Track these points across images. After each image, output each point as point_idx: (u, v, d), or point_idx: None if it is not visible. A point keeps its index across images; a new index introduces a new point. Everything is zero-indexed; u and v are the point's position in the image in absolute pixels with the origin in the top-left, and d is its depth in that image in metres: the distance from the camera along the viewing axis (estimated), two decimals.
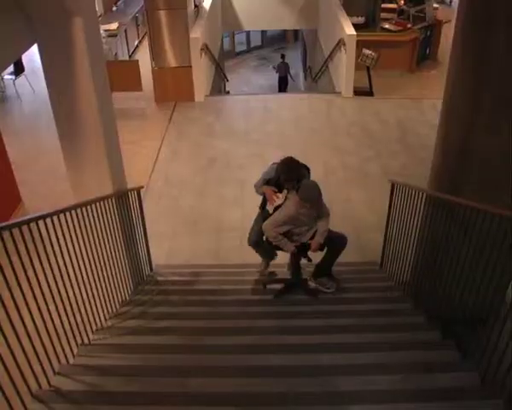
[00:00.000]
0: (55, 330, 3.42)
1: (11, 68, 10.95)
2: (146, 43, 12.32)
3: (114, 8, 14.72)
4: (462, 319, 3.93)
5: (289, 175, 4.77)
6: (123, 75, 10.35)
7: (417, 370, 3.60)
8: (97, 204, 4.45)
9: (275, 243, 4.89)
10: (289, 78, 16.27)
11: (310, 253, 4.99)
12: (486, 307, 3.62)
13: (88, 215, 4.22)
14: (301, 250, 4.97)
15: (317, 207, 4.79)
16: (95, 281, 4.22)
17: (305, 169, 5.02)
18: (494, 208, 3.50)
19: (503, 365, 3.15)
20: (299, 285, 5.32)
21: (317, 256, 5.09)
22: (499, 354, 3.18)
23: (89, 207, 4.27)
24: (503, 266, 3.36)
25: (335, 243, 4.97)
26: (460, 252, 3.92)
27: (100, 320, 4.39)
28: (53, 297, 3.42)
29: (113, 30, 12.71)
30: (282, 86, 16.53)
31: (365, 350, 3.94)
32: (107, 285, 4.56)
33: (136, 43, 14.78)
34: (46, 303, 3.31)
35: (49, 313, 3.36)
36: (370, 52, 11.47)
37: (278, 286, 5.40)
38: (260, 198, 5.20)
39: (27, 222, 3.23)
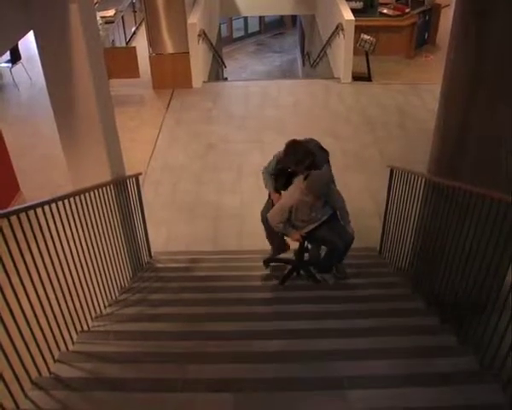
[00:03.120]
0: (55, 317, 3.43)
1: (7, 56, 10.88)
2: (143, 29, 12.23)
3: None
4: (460, 303, 3.94)
5: (290, 161, 4.67)
6: (120, 62, 10.28)
7: (416, 355, 3.61)
8: (96, 191, 4.44)
9: (278, 231, 4.87)
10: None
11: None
12: (485, 291, 3.62)
13: (86, 203, 4.21)
14: (308, 238, 4.97)
15: (328, 199, 4.75)
16: (94, 268, 4.22)
17: (322, 152, 4.92)
18: (493, 193, 3.50)
19: (501, 349, 3.16)
20: (301, 268, 5.33)
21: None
22: (498, 338, 3.19)
23: (87, 194, 4.26)
24: (502, 251, 3.36)
25: (330, 244, 4.94)
26: (459, 237, 3.92)
27: (99, 307, 4.40)
28: (52, 285, 3.42)
29: (110, 16, 12.61)
30: None
31: (364, 335, 3.95)
32: (107, 272, 4.56)
33: (133, 29, 14.68)
34: (45, 291, 3.32)
35: (49, 301, 3.37)
36: (369, 37, 11.43)
37: (278, 267, 5.42)
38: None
39: (26, 210, 3.22)
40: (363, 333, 4.00)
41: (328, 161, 4.99)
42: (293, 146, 4.64)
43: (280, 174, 4.95)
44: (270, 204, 5.06)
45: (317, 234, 4.86)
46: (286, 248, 5.45)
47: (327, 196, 4.72)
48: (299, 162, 4.59)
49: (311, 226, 4.84)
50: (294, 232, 4.82)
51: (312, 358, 3.59)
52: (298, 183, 4.64)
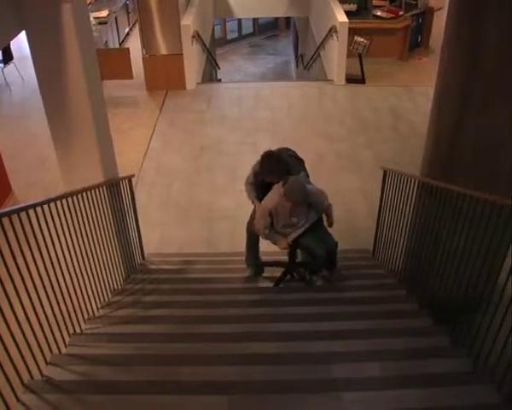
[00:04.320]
0: (47, 319, 3.40)
1: None
2: (137, 30, 12.22)
3: None
4: (454, 305, 3.95)
5: (264, 171, 4.75)
6: (113, 63, 10.25)
7: (410, 356, 3.61)
8: (88, 193, 4.42)
9: (266, 239, 4.87)
10: None
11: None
12: (478, 293, 3.63)
13: (79, 204, 4.19)
14: (295, 245, 4.97)
15: (311, 202, 4.74)
16: (86, 270, 4.20)
17: (298, 161, 4.95)
18: (486, 195, 3.51)
19: (494, 350, 3.17)
20: (294, 270, 5.33)
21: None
22: (491, 339, 3.19)
23: (80, 196, 4.24)
24: (495, 252, 3.36)
25: (312, 251, 4.92)
26: (452, 238, 3.93)
27: (92, 309, 4.38)
28: (44, 287, 3.40)
29: (104, 17, 12.58)
30: None
31: (358, 337, 3.95)
32: (99, 274, 4.54)
33: (126, 30, 14.66)
34: (37, 293, 3.30)
35: (41, 303, 3.34)
36: (362, 39, 11.44)
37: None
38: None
39: (18, 211, 3.20)
40: (357, 335, 3.99)
41: (305, 169, 5.01)
42: (266, 157, 4.74)
43: (260, 186, 4.97)
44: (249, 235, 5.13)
45: (302, 242, 4.87)
46: (261, 271, 5.55)
47: (307, 201, 4.68)
48: (273, 171, 4.70)
49: (296, 234, 4.85)
50: (281, 240, 4.83)
51: (307, 360, 3.58)
52: (277, 187, 4.66)
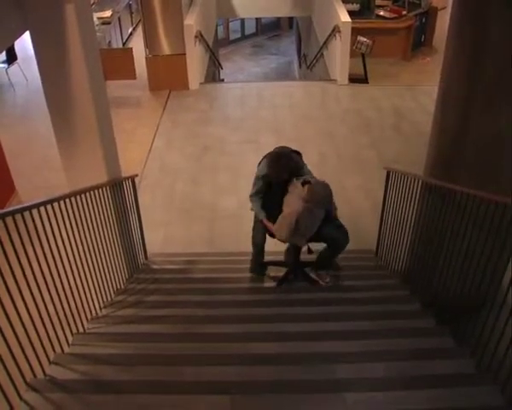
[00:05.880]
0: (50, 319, 3.41)
1: (3, 57, 10.85)
2: (140, 30, 12.23)
3: None
4: (457, 305, 3.94)
5: (277, 171, 4.61)
6: (117, 63, 10.26)
7: (413, 357, 3.60)
8: (92, 193, 4.42)
9: (289, 242, 4.82)
10: None
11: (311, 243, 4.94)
12: (482, 293, 3.62)
13: (82, 204, 4.19)
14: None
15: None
16: (89, 270, 4.20)
17: (297, 155, 4.86)
18: (490, 195, 3.50)
19: (498, 351, 3.16)
20: (298, 270, 5.31)
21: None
22: (495, 340, 3.18)
23: (83, 195, 4.24)
24: (499, 252, 3.35)
25: (336, 241, 4.85)
26: (456, 238, 3.92)
27: (95, 309, 4.38)
28: (47, 286, 3.40)
29: (107, 17, 12.59)
30: None
31: (361, 337, 3.94)
32: (102, 274, 4.54)
33: (129, 30, 14.67)
34: (41, 292, 3.30)
35: (44, 303, 3.35)
36: (365, 39, 11.45)
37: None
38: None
39: (21, 211, 3.20)
40: (360, 335, 3.98)
41: (302, 160, 4.93)
42: (276, 157, 4.65)
43: (268, 191, 4.83)
44: (259, 226, 5.04)
45: (323, 233, 4.78)
46: (264, 270, 5.50)
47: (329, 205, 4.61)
48: (285, 170, 4.59)
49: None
50: (303, 238, 4.70)
51: (310, 360, 3.58)
52: (297, 192, 4.51)
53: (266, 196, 4.84)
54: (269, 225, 4.81)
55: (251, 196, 4.88)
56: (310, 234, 4.65)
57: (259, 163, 4.92)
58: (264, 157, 4.85)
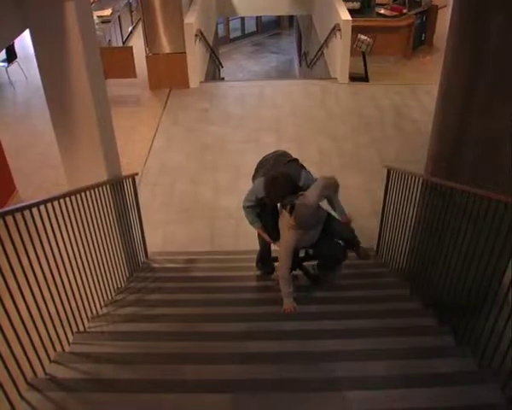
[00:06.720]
0: (51, 317, 3.41)
1: (3, 55, 10.84)
2: (140, 29, 12.22)
3: None
4: (458, 304, 3.93)
5: (274, 197, 4.39)
6: (117, 62, 10.27)
7: (414, 356, 3.60)
8: (92, 191, 4.42)
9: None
10: None
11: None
12: (483, 292, 3.61)
13: (83, 203, 4.19)
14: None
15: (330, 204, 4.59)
16: (90, 269, 4.20)
17: (294, 164, 4.64)
18: (491, 193, 3.49)
19: (499, 350, 3.16)
20: (297, 267, 5.29)
21: None
22: (496, 338, 3.18)
23: (83, 194, 4.24)
24: (500, 251, 3.35)
25: (328, 260, 4.82)
26: (457, 237, 3.92)
27: (95, 308, 4.38)
28: (48, 285, 3.40)
29: (107, 16, 12.59)
30: None
31: (362, 336, 3.94)
32: (103, 272, 4.54)
33: (130, 29, 14.65)
34: (41, 291, 3.30)
35: (45, 301, 3.35)
36: (366, 38, 11.43)
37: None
38: None
39: (21, 209, 3.20)
40: (361, 334, 3.98)
41: (303, 166, 4.70)
42: (272, 183, 4.35)
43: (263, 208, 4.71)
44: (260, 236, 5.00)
45: (332, 227, 4.70)
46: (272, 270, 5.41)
47: (321, 219, 4.45)
48: (283, 194, 4.32)
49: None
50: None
51: (310, 359, 3.57)
52: (285, 221, 4.33)
53: (262, 209, 4.71)
54: (265, 236, 4.77)
55: (244, 207, 4.74)
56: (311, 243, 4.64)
57: (254, 176, 4.81)
58: (259, 166, 4.75)
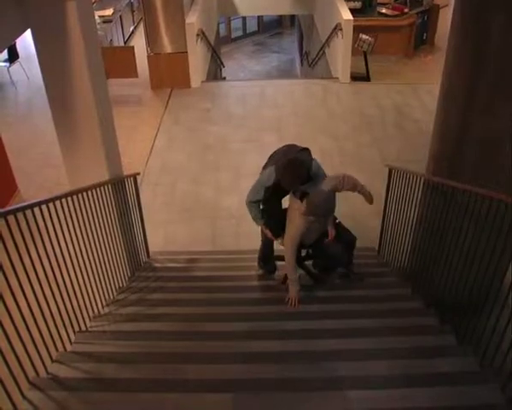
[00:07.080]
0: (53, 317, 3.41)
1: (5, 55, 10.85)
2: (141, 28, 12.22)
3: None
4: (460, 303, 3.93)
5: (291, 181, 4.22)
6: (118, 61, 10.27)
7: (415, 355, 3.60)
8: (93, 191, 4.42)
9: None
10: None
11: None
12: (484, 291, 3.61)
13: (84, 202, 4.19)
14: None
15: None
16: (91, 268, 4.21)
17: (305, 153, 4.50)
18: (493, 193, 3.49)
19: (501, 349, 3.15)
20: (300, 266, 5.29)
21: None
22: (497, 338, 3.18)
23: (85, 194, 4.24)
24: (502, 250, 3.35)
25: (330, 260, 4.82)
26: (458, 236, 3.92)
27: (97, 307, 4.38)
28: (50, 284, 3.41)
29: (108, 16, 12.60)
30: None
31: (363, 335, 3.94)
32: (104, 272, 4.54)
33: (131, 28, 14.67)
34: (43, 290, 3.30)
35: (46, 301, 3.35)
36: (367, 37, 11.43)
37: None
38: None
39: (23, 209, 3.21)
40: (363, 333, 3.98)
41: (311, 157, 4.55)
42: (290, 165, 4.19)
43: (271, 198, 4.59)
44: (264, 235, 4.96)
45: (319, 251, 4.76)
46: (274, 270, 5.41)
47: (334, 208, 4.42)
48: (300, 177, 4.20)
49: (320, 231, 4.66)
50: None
51: (312, 358, 3.58)
52: (295, 206, 4.30)
53: (266, 204, 4.63)
54: (268, 233, 4.75)
55: (248, 202, 4.62)
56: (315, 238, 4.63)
57: (265, 166, 4.66)
58: (270, 158, 4.65)
